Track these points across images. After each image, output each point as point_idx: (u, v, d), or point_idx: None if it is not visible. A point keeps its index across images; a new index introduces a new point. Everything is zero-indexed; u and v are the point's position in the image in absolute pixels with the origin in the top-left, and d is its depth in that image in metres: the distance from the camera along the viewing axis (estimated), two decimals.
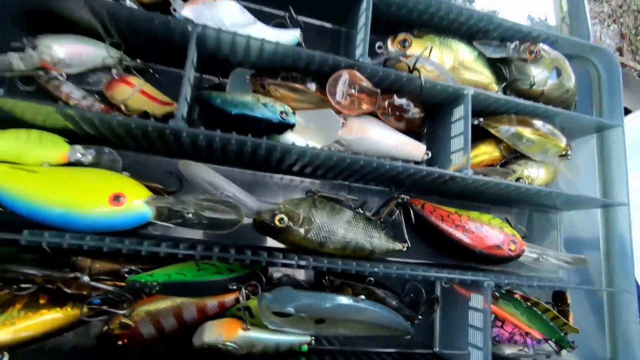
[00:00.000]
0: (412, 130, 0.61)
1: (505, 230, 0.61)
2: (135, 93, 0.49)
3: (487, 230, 0.59)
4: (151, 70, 0.54)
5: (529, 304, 0.59)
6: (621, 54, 2.14)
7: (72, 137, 0.47)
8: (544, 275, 0.67)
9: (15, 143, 0.45)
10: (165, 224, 0.47)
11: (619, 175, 0.63)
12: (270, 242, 0.56)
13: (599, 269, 0.65)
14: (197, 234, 0.55)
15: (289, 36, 0.56)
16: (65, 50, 0.47)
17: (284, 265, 0.46)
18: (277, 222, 0.49)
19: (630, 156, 0.90)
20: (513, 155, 0.65)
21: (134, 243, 0.40)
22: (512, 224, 0.69)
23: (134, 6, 0.47)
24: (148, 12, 0.45)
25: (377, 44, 0.60)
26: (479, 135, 0.64)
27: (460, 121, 0.56)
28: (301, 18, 0.62)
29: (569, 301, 0.63)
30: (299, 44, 0.56)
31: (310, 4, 0.60)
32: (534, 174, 0.64)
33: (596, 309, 0.68)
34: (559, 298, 0.64)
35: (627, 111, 1.27)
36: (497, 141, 0.64)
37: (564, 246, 0.72)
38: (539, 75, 0.63)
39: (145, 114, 0.49)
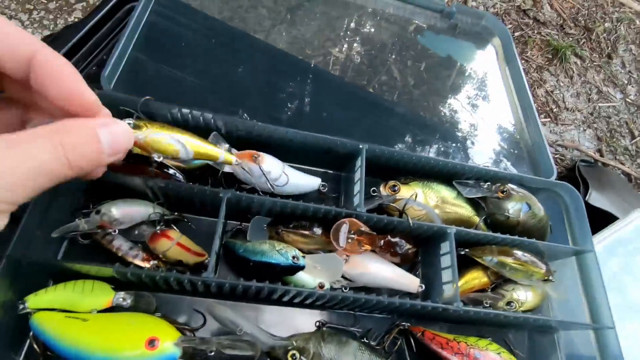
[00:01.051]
0: (408, 262, 0.69)
1: (503, 356, 0.64)
2: (173, 245, 0.59)
3: (485, 357, 0.63)
4: (186, 221, 0.65)
5: None
6: (601, 155, 2.33)
7: (116, 282, 0.56)
8: None
9: (72, 293, 0.54)
10: None
11: (601, 299, 0.69)
12: None
13: None
14: None
15: (313, 181, 0.70)
16: (120, 212, 0.59)
17: None
18: (289, 358, 0.55)
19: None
20: (501, 280, 0.72)
21: None
22: (512, 345, 0.73)
23: (181, 178, 0.60)
24: (189, 184, 0.58)
25: (372, 189, 0.72)
26: (470, 262, 0.72)
27: (447, 255, 0.65)
28: (307, 167, 0.76)
29: None
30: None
31: (315, 157, 0.74)
32: (522, 297, 0.70)
33: None
34: None
35: (614, 218, 1.35)
36: (485, 268, 0.72)
37: None
38: (512, 209, 0.74)
39: (180, 263, 0.59)
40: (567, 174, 2.14)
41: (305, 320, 0.66)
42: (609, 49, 2.68)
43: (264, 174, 0.63)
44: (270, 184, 0.63)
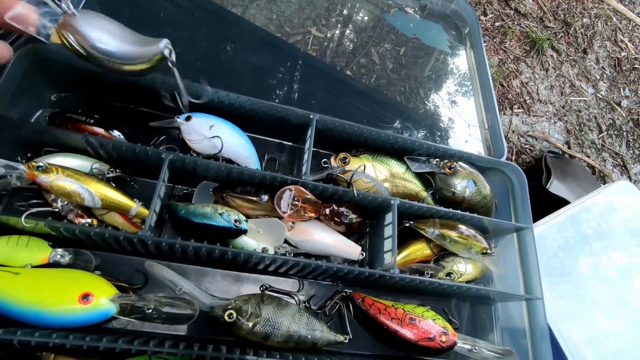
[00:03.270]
0: (354, 231, 0.71)
1: (437, 322, 0.68)
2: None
3: (420, 323, 0.66)
4: (129, 180, 0.65)
5: None
6: (569, 147, 2.40)
7: (54, 239, 0.56)
8: None
9: (5, 247, 0.54)
10: (127, 318, 0.54)
11: (534, 271, 0.72)
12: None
13: (527, 358, 0.70)
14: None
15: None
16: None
17: (227, 359, 0.52)
18: (226, 317, 0.56)
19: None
20: (443, 253, 0.75)
21: (94, 340, 0.47)
22: (451, 315, 0.76)
23: (122, 137, 0.59)
24: (131, 143, 0.58)
25: (323, 160, 0.73)
26: (414, 235, 0.74)
27: (389, 225, 0.67)
28: (265, 137, 0.77)
29: None
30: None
31: (272, 129, 0.75)
32: (462, 269, 0.73)
33: None
34: None
35: (567, 202, 1.42)
36: (428, 240, 0.74)
37: (503, 335, 0.78)
38: (459, 185, 0.76)
39: (116, 228, 0.59)
40: (535, 164, 2.21)
41: (252, 286, 0.67)
42: (585, 44, 2.74)
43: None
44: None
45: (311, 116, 0.68)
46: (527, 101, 2.45)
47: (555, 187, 1.66)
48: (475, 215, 0.72)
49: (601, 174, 2.38)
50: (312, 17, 1.15)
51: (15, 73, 0.57)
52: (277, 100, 0.85)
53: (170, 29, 0.88)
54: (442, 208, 0.70)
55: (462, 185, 0.76)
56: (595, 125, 2.54)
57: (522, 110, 2.42)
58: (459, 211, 0.71)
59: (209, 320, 0.58)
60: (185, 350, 0.50)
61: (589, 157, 2.40)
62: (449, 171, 0.75)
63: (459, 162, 0.76)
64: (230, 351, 0.52)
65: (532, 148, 2.32)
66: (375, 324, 0.66)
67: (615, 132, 2.57)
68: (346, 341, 0.64)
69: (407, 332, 0.65)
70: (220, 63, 0.88)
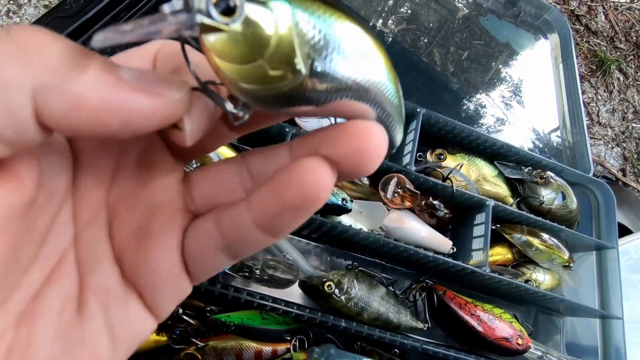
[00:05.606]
0: (441, 226, 0.73)
1: (514, 325, 0.69)
2: None
3: (498, 323, 0.68)
4: None
5: None
6: (624, 175, 2.32)
7: None
8: None
9: None
10: (235, 275, 0.58)
11: (614, 291, 0.72)
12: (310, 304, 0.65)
13: None
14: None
15: None
16: None
17: (332, 325, 0.55)
18: (325, 288, 0.60)
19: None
20: (523, 260, 0.76)
21: (222, 288, 0.51)
22: (520, 321, 0.78)
23: None
24: None
25: (418, 154, 0.75)
26: (496, 239, 0.75)
27: (481, 225, 0.69)
28: None
29: None
30: None
31: None
32: (540, 278, 0.74)
33: None
34: None
35: (628, 230, 1.39)
36: (511, 245, 0.75)
37: (569, 350, 0.79)
38: (547, 196, 0.77)
39: None
40: None
41: (339, 261, 0.70)
42: None
43: None
44: None
45: (418, 109, 0.70)
46: (586, 122, 2.37)
47: None
48: (564, 227, 0.72)
49: None
50: (378, 11, 1.16)
51: None
52: None
53: None
54: (532, 215, 0.71)
55: (551, 196, 0.77)
56: None
57: None
58: (548, 221, 0.72)
59: (304, 288, 0.62)
60: (298, 311, 0.53)
61: None
62: (540, 181, 0.76)
63: (550, 173, 0.77)
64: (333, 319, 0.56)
65: None
66: (455, 317, 0.68)
67: None
68: (425, 329, 0.66)
69: (486, 330, 0.67)
70: None
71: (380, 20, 1.11)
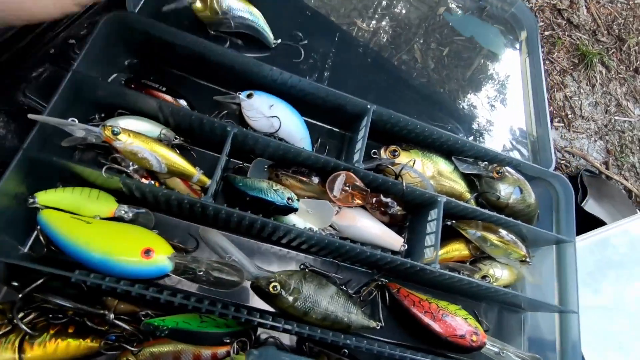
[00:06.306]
0: (395, 223, 0.72)
1: (469, 322, 0.69)
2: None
3: (452, 320, 0.67)
4: (189, 149, 0.68)
5: None
6: (607, 168, 2.33)
7: (120, 196, 0.60)
8: None
9: (78, 197, 0.57)
10: (179, 277, 0.57)
11: (571, 285, 0.72)
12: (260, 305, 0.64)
13: None
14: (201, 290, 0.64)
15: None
16: (127, 126, 0.61)
17: (272, 327, 0.54)
18: (271, 289, 0.59)
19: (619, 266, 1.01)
20: (481, 255, 0.76)
21: (155, 291, 0.50)
22: (480, 317, 0.77)
23: (188, 109, 0.62)
24: (199, 113, 0.60)
25: (373, 151, 0.74)
26: (453, 234, 0.75)
27: (433, 222, 0.68)
28: (318, 122, 0.79)
29: None
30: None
31: (326, 115, 0.76)
32: (498, 274, 0.74)
33: None
34: None
35: (602, 222, 1.39)
36: (467, 241, 0.75)
37: (530, 345, 0.78)
38: (504, 191, 0.76)
39: None
40: (570, 181, 2.16)
41: (292, 262, 0.70)
42: (638, 62, 2.62)
43: None
44: None
45: (368, 106, 0.69)
46: (569, 116, 2.38)
47: (591, 206, 1.62)
48: (519, 222, 0.72)
49: (637, 199, 2.30)
50: (358, 9, 1.15)
51: (101, 36, 0.60)
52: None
53: None
54: (486, 211, 0.71)
55: (508, 191, 0.76)
56: (638, 148, 2.44)
57: (563, 124, 2.35)
58: (503, 216, 0.71)
59: (252, 289, 0.61)
60: (235, 313, 0.53)
61: (627, 179, 2.32)
62: (496, 175, 0.75)
63: (507, 168, 0.76)
64: (274, 320, 0.55)
65: (568, 164, 2.25)
66: (408, 315, 0.68)
67: None
68: (378, 328, 0.65)
69: (439, 327, 0.66)
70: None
71: (360, 19, 1.10)
